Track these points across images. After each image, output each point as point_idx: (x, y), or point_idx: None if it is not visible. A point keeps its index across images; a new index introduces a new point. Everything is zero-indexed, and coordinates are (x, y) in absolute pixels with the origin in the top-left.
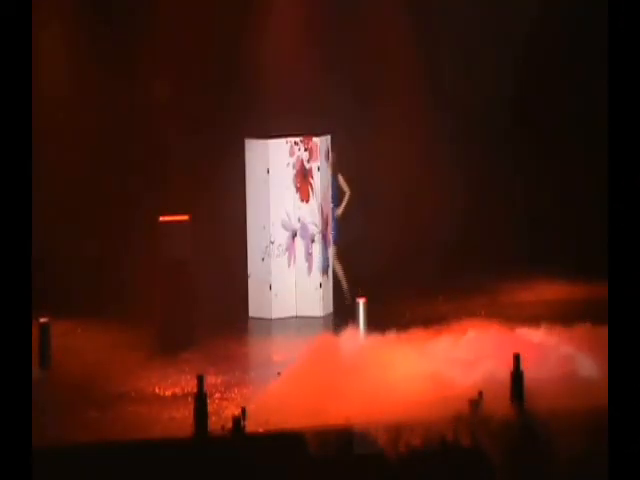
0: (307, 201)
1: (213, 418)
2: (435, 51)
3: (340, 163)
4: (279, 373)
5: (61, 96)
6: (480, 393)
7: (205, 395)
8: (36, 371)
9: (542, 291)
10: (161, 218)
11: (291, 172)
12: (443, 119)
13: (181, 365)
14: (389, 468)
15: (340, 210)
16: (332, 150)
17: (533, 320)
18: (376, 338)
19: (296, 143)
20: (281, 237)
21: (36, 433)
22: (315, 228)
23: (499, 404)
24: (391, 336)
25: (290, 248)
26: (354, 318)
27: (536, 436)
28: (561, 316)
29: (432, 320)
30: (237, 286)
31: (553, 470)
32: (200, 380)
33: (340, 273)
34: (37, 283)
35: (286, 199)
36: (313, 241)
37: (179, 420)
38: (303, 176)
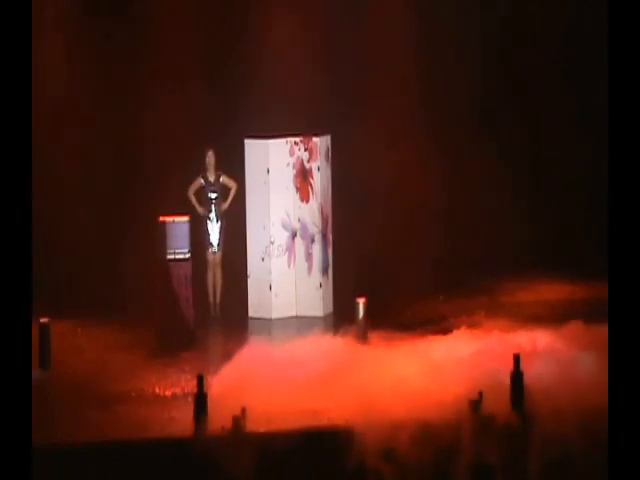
0: (307, 201)
1: (213, 418)
2: (434, 51)
3: (340, 163)
4: None
5: (61, 96)
6: (480, 393)
7: (205, 395)
8: (36, 371)
9: (542, 291)
10: (161, 218)
11: (291, 172)
12: (443, 120)
13: (181, 365)
14: (389, 468)
15: (227, 205)
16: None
17: (533, 320)
18: (376, 338)
19: (296, 143)
20: (281, 237)
21: (36, 432)
22: (315, 228)
23: (499, 404)
24: (391, 336)
25: (290, 248)
26: (354, 318)
27: (536, 436)
28: (561, 316)
29: (432, 320)
30: (237, 286)
31: (553, 470)
32: (200, 380)
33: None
34: (37, 283)
35: (286, 199)
36: (313, 241)
37: (179, 420)
38: (303, 176)
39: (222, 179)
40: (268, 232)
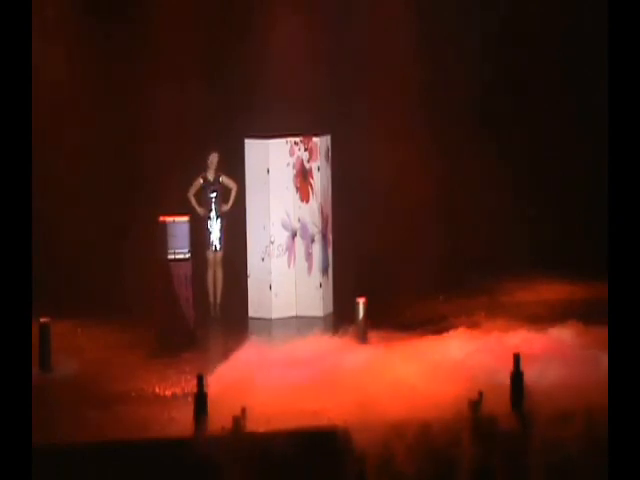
0: (307, 201)
1: (213, 418)
2: (434, 51)
3: (340, 163)
4: None
5: (61, 96)
6: (480, 393)
7: (205, 395)
8: (36, 371)
9: (542, 291)
10: (161, 218)
11: (291, 172)
12: (443, 120)
13: (181, 365)
14: (389, 468)
15: (228, 206)
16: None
17: (533, 320)
18: (376, 338)
19: (296, 143)
20: (281, 237)
21: (36, 433)
22: (315, 228)
23: (499, 404)
24: (391, 336)
25: (290, 248)
26: (354, 318)
27: (536, 436)
28: (561, 316)
29: (432, 320)
30: (237, 286)
31: (553, 470)
32: (200, 380)
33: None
34: (37, 283)
35: (286, 199)
36: (313, 241)
37: (179, 420)
38: (303, 176)
39: (222, 179)
40: (268, 232)
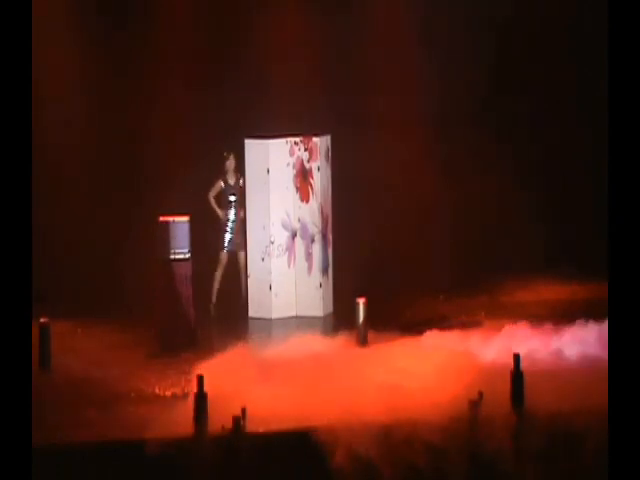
0: (307, 201)
1: (213, 418)
2: (434, 51)
3: (340, 163)
4: None
5: (62, 96)
6: (480, 393)
7: (205, 395)
8: (36, 371)
9: (542, 291)
10: (161, 218)
11: (291, 172)
12: (442, 119)
13: (181, 365)
14: (389, 469)
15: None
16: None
17: (533, 320)
18: (375, 338)
19: (296, 143)
20: (281, 237)
21: (36, 433)
22: (315, 228)
23: (499, 404)
24: (391, 336)
25: (290, 248)
26: (354, 318)
27: (536, 436)
28: (561, 316)
29: (432, 320)
30: (237, 286)
31: (553, 470)
32: (200, 380)
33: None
34: (37, 283)
35: (286, 199)
36: (313, 241)
37: (179, 420)
38: (303, 176)
39: (242, 182)
40: (268, 232)
